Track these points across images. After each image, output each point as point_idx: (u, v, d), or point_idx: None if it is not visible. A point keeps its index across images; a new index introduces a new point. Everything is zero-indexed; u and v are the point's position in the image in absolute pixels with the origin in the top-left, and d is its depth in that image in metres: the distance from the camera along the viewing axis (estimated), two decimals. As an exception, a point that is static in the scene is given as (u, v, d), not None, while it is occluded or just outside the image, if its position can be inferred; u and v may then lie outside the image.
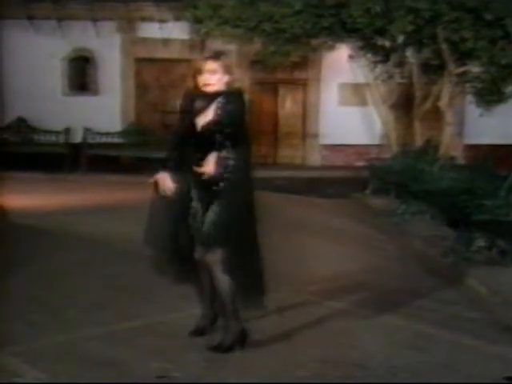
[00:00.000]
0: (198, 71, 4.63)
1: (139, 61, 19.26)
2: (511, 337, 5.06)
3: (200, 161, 4.59)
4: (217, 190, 4.55)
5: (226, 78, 4.64)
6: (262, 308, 4.84)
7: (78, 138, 18.05)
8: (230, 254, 4.54)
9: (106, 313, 5.52)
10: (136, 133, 18.64)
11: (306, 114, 19.82)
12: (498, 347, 4.85)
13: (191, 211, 4.65)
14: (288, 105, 19.91)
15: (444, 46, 12.67)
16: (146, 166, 17.34)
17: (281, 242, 7.65)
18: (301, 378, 4.29)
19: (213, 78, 4.60)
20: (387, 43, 13.87)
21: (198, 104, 4.65)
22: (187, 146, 4.66)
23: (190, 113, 4.67)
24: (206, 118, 4.60)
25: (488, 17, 11.56)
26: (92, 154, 17.35)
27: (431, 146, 13.15)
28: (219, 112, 4.56)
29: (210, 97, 4.62)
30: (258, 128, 17.52)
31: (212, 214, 4.54)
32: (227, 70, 4.66)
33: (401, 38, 13.40)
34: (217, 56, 4.69)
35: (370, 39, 13.70)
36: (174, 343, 4.82)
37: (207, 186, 4.58)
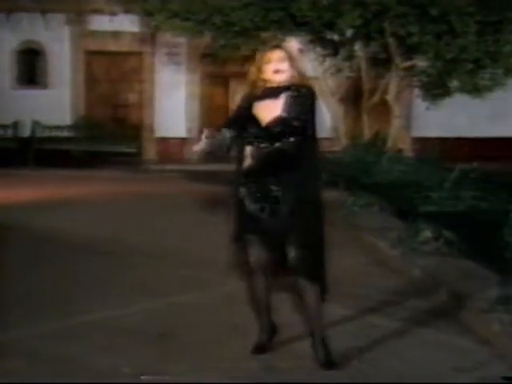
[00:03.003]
0: (266, 61, 4.35)
1: (89, 53, 19.12)
2: (457, 326, 5.19)
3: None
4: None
5: (292, 71, 4.36)
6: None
7: (27, 132, 17.86)
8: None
9: (58, 308, 5.50)
10: (86, 126, 18.50)
11: (257, 106, 19.86)
12: (444, 335, 4.97)
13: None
14: (239, 98, 19.90)
15: (391, 40, 12.85)
16: (96, 160, 17.36)
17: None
18: (247, 376, 4.34)
19: (283, 65, 4.33)
20: (336, 37, 14.02)
21: (263, 98, 4.40)
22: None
23: (249, 108, 4.47)
24: (272, 113, 4.33)
25: (434, 12, 11.78)
26: (42, 148, 17.19)
27: (379, 139, 13.35)
28: (287, 108, 4.29)
29: (277, 91, 4.35)
30: (209, 121, 17.58)
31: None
32: (293, 62, 4.39)
33: (349, 32, 13.57)
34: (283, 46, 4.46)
35: (318, 33, 13.82)
36: (125, 339, 4.83)
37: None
